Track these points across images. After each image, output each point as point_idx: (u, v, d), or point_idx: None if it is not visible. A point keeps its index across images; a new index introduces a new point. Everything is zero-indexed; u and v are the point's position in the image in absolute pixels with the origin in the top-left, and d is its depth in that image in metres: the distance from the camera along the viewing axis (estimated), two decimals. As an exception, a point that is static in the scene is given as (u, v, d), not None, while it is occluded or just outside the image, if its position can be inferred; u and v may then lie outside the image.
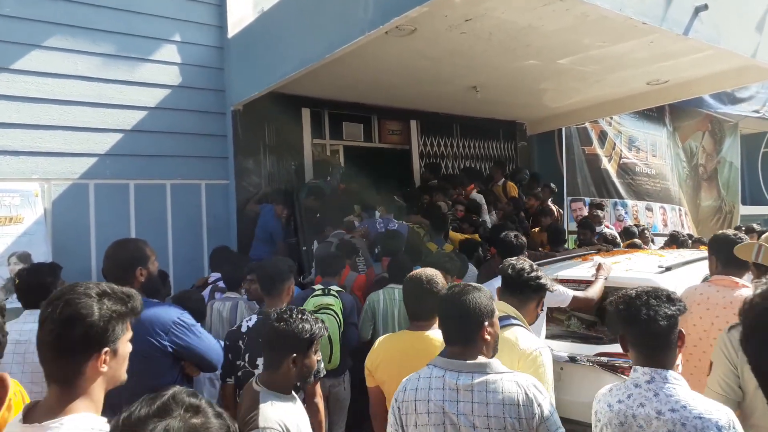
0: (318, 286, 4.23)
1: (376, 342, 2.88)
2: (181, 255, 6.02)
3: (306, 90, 6.75)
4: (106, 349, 1.50)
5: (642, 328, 1.95)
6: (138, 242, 2.89)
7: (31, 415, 1.44)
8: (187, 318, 2.78)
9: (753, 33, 5.73)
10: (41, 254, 4.84)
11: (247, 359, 3.10)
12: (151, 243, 2.96)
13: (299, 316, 2.36)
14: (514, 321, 2.60)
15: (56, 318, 1.45)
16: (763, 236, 2.66)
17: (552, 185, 8.74)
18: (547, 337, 3.87)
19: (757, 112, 12.17)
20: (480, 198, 7.51)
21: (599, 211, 8.12)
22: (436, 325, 2.77)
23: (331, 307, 4.03)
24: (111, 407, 2.66)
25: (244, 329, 3.32)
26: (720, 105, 11.29)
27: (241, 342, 3.21)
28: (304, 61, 5.11)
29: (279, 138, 6.92)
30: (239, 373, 3.08)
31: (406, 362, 2.62)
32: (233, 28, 6.33)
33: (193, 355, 2.76)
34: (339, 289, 4.23)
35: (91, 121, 5.65)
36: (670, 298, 2.00)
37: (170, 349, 2.67)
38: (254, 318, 3.33)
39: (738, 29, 5.57)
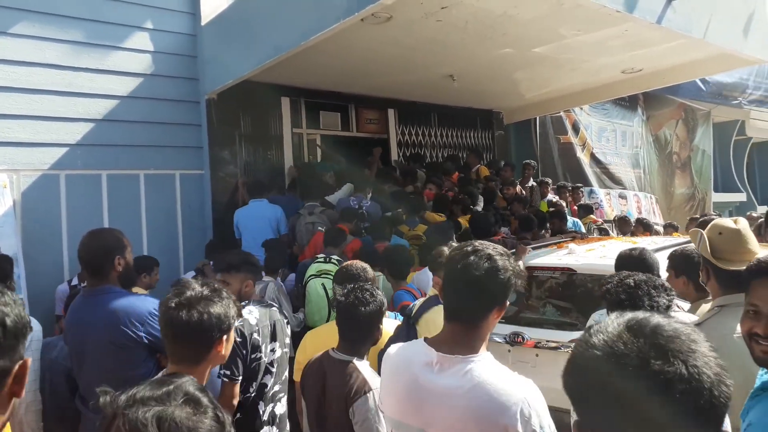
0: (320, 255, 4.72)
1: (306, 336, 2.89)
2: (155, 246, 5.93)
3: (282, 78, 6.67)
4: (506, 301, 1.73)
5: None
6: (114, 231, 2.84)
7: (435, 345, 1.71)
8: None
9: (724, 23, 5.82)
10: (10, 246, 4.72)
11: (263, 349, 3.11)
12: (125, 234, 2.92)
13: (371, 292, 2.50)
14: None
15: (481, 267, 1.68)
16: (709, 224, 2.51)
17: (531, 162, 8.99)
18: (523, 323, 3.92)
19: (735, 99, 12.37)
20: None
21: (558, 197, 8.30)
22: None
23: (331, 272, 4.39)
24: (82, 400, 2.66)
25: (253, 321, 3.30)
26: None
27: (256, 334, 3.19)
28: (279, 48, 5.05)
29: (255, 127, 6.85)
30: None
31: None
32: (206, 15, 6.22)
33: None
34: (338, 258, 4.65)
35: (61, 110, 5.52)
36: (665, 287, 2.06)
37: (146, 341, 2.62)
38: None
39: (709, 19, 5.65)
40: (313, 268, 4.63)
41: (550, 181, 8.89)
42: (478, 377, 1.59)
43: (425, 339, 1.76)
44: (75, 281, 4.86)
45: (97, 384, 2.59)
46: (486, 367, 1.63)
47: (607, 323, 0.95)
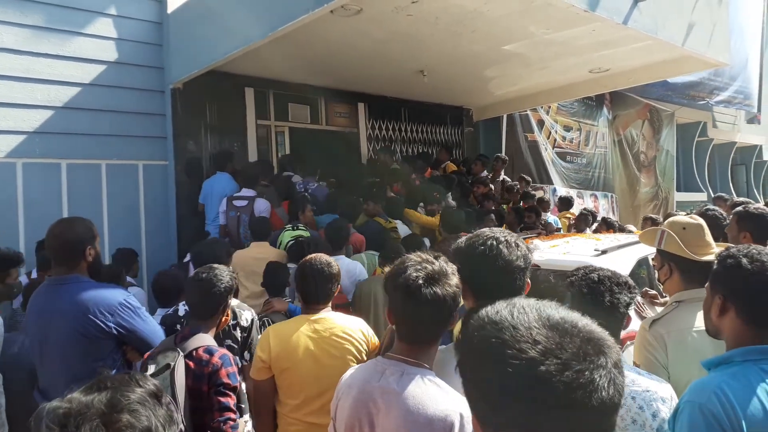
0: (288, 225, 5.16)
1: (269, 331, 2.78)
2: (117, 238, 5.80)
3: (250, 69, 6.58)
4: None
5: (603, 315, 2.00)
6: (85, 221, 2.78)
7: None
8: (133, 300, 2.71)
9: (689, 25, 5.94)
10: (-37, 237, 4.56)
11: None
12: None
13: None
14: None
15: (515, 252, 1.74)
16: (666, 221, 2.57)
17: (502, 156, 9.19)
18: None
19: (702, 99, 12.71)
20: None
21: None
22: (329, 307, 2.77)
23: (305, 236, 4.90)
24: (41, 393, 2.58)
25: (181, 312, 3.24)
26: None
27: (179, 326, 3.14)
28: (247, 39, 4.96)
29: (221, 118, 6.73)
30: None
31: (311, 346, 2.62)
32: (173, 3, 6.08)
33: (137, 338, 2.67)
34: (303, 225, 5.18)
35: (19, 96, 5.34)
36: (628, 285, 2.06)
37: (115, 332, 2.59)
38: None
39: (675, 21, 5.76)
40: (287, 235, 4.97)
41: (529, 179, 9.15)
42: None
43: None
44: (35, 274, 4.71)
45: (60, 376, 2.56)
46: None
47: (517, 322, 0.88)
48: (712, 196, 14.82)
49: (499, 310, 0.92)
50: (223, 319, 2.67)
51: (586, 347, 0.84)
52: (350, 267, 4.44)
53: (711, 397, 1.49)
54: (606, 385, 0.82)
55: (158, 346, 2.53)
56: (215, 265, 2.68)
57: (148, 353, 2.57)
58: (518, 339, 0.85)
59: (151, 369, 2.28)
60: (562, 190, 10.58)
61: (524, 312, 0.90)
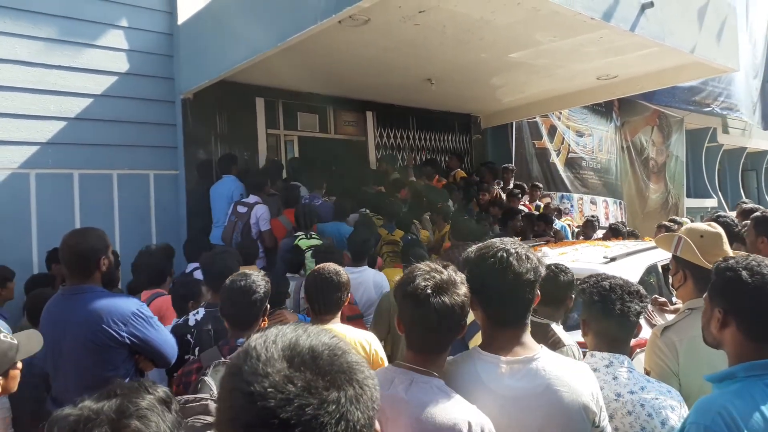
0: (299, 233, 5.18)
1: None
2: (129, 247, 5.83)
3: (259, 79, 6.63)
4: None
5: (614, 322, 2.02)
6: (98, 231, 2.83)
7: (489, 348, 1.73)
8: (146, 310, 2.74)
9: (696, 32, 5.93)
10: (-23, 247, 4.63)
11: (197, 353, 3.04)
12: (99, 235, 2.87)
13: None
14: None
15: (525, 265, 1.73)
16: (683, 228, 2.57)
17: (509, 166, 9.24)
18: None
19: (707, 106, 12.66)
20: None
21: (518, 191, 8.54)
22: (338, 318, 2.76)
23: (319, 245, 4.97)
24: (54, 401, 2.61)
25: (192, 323, 3.26)
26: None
27: (189, 336, 3.15)
28: (256, 49, 5.02)
29: (231, 127, 6.78)
30: None
31: None
32: (183, 15, 6.16)
33: (149, 348, 2.70)
34: (317, 234, 5.26)
35: (32, 108, 5.41)
36: (639, 294, 2.07)
37: (128, 341, 2.62)
38: (201, 311, 3.27)
39: (682, 27, 5.75)
40: (303, 244, 4.97)
41: (541, 185, 9.18)
42: (551, 373, 1.66)
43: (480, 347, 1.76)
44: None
45: (74, 384, 2.59)
46: (553, 362, 1.70)
47: (262, 352, 0.81)
48: (722, 201, 14.76)
49: (259, 336, 0.85)
50: (262, 324, 2.66)
51: (316, 381, 0.78)
52: (377, 279, 4.45)
53: (716, 419, 1.47)
54: (333, 422, 0.77)
55: (203, 360, 2.47)
56: (248, 272, 2.65)
57: (183, 368, 2.55)
58: (252, 371, 0.79)
59: (213, 384, 2.14)
60: (574, 197, 10.56)
61: (276, 341, 0.83)
